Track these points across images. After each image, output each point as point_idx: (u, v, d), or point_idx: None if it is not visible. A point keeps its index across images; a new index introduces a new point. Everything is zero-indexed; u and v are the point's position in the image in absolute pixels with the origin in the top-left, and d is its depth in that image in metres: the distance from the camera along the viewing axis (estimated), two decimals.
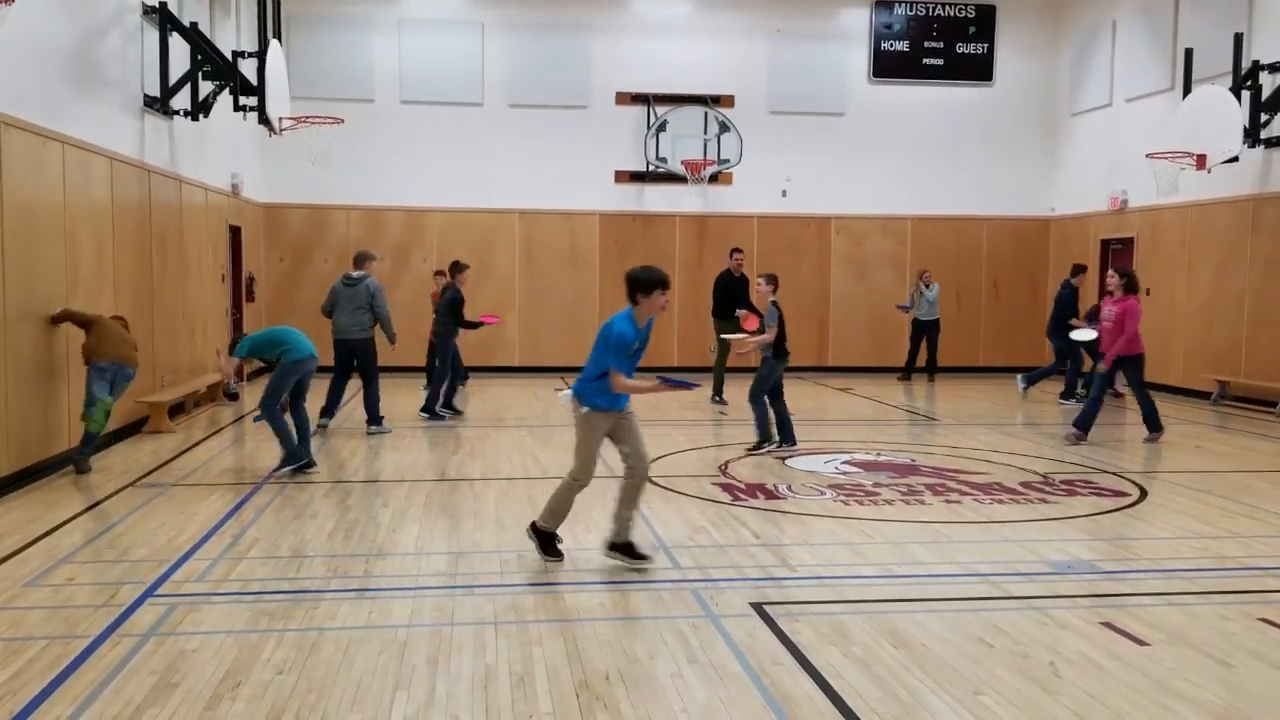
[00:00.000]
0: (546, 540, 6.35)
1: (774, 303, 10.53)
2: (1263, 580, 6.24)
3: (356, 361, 11.43)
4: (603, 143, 18.53)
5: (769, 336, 10.43)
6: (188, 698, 4.30)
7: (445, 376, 12.76)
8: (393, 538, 6.99)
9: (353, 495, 8.35)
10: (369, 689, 4.40)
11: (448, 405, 12.95)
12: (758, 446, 10.47)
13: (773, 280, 10.74)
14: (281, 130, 13.70)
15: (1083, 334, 13.89)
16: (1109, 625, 5.33)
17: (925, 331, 17.77)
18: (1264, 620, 5.43)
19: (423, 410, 12.69)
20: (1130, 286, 11.11)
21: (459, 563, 6.39)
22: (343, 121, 14.83)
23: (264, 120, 13.31)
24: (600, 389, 6.13)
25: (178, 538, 6.89)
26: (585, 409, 6.17)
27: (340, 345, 11.41)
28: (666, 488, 8.68)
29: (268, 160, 17.29)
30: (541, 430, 11.97)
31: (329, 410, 11.51)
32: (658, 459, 9.97)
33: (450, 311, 12.68)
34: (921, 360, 17.98)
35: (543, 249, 18.48)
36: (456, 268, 13.00)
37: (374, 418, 11.47)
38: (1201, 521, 7.79)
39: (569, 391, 6.31)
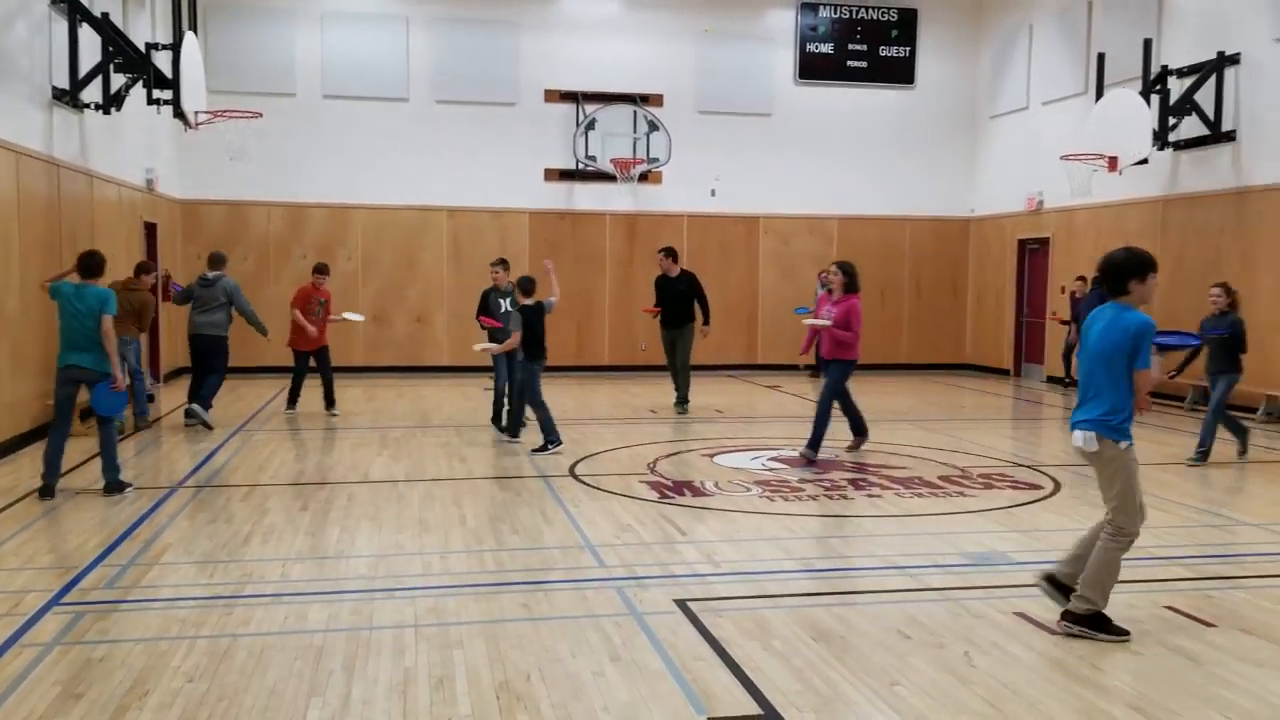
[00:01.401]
0: (1101, 623, 5.14)
1: (521, 307, 10.43)
2: (1169, 569, 6.43)
3: (206, 355, 11.87)
4: (532, 140, 18.45)
5: (511, 343, 10.40)
6: (93, 708, 4.19)
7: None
8: (311, 541, 6.89)
9: (272, 499, 8.20)
10: (283, 695, 4.32)
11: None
12: (543, 448, 10.22)
13: (525, 286, 10.58)
14: (197, 124, 13.41)
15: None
16: (1022, 615, 5.45)
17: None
18: (1170, 608, 5.59)
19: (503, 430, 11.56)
20: (851, 285, 10.08)
21: (380, 565, 6.31)
22: (261, 116, 14.56)
23: (179, 114, 13.01)
24: (1128, 411, 5.13)
25: (86, 544, 6.71)
26: (1125, 444, 5.14)
27: (192, 340, 12.02)
28: (594, 486, 8.67)
29: (185, 155, 16.92)
30: (469, 430, 11.88)
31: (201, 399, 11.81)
32: (586, 458, 9.99)
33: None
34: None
35: (472, 247, 18.34)
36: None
37: (204, 404, 11.69)
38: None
39: (1088, 432, 5.19)
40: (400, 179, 18.02)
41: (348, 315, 13.74)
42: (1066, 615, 5.22)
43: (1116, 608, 5.65)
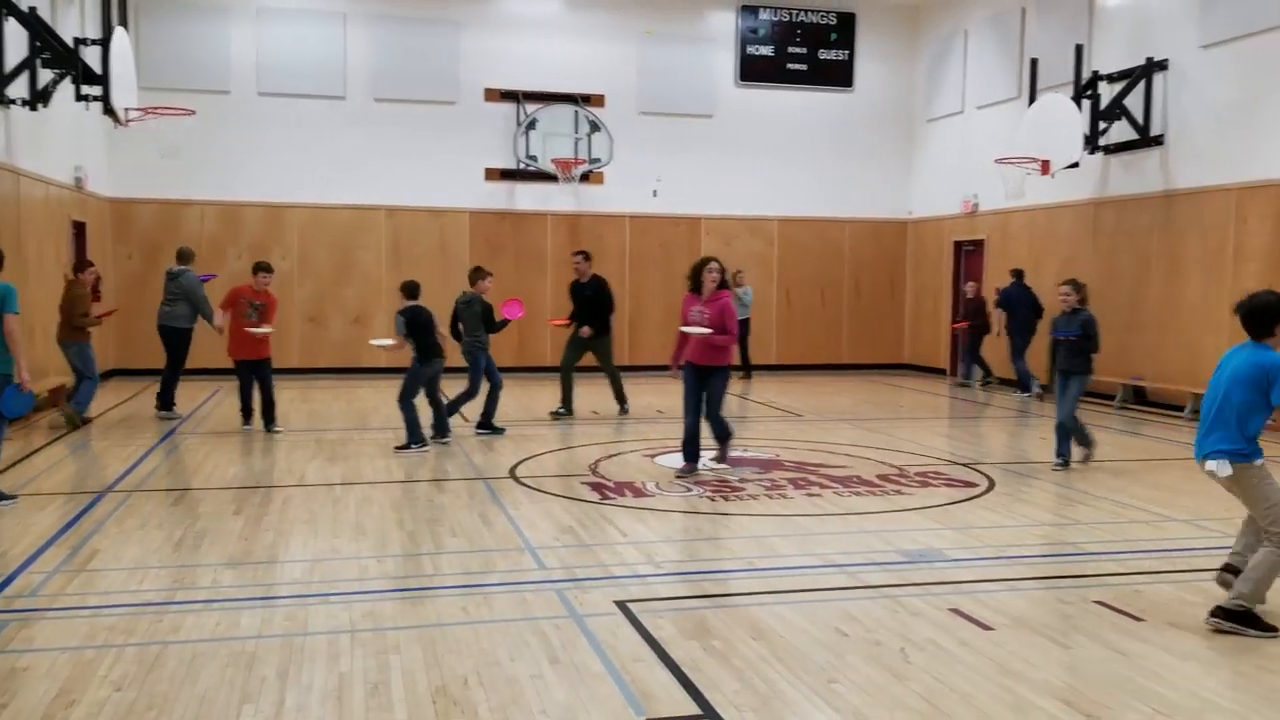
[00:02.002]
0: (1251, 619, 5.26)
1: (403, 309, 10.31)
2: (1099, 564, 6.56)
3: (166, 346, 12.47)
4: (472, 139, 18.33)
5: (392, 344, 10.41)
6: (16, 719, 4.07)
7: (497, 386, 11.50)
8: (245, 546, 6.77)
9: (204, 503, 8.05)
10: (214, 703, 4.24)
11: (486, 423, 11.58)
12: (405, 447, 10.20)
13: (409, 290, 10.46)
14: (128, 121, 13.14)
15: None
16: (957, 611, 5.52)
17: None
18: (1099, 603, 5.71)
19: (479, 427, 11.50)
20: (724, 282, 9.24)
21: (315, 570, 6.22)
22: (194, 113, 14.32)
23: (109, 111, 12.74)
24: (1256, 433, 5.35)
25: (10, 550, 6.52)
26: (1259, 461, 5.36)
27: (159, 331, 12.57)
28: (535, 488, 8.64)
29: (115, 153, 16.57)
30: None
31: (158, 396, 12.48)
32: (527, 459, 9.94)
33: (484, 321, 11.43)
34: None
35: (411, 247, 18.19)
36: (479, 274, 11.59)
37: (165, 403, 12.43)
38: (1043, 509, 8.16)
39: (1223, 461, 5.33)
40: (338, 178, 17.81)
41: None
42: (1217, 611, 5.29)
43: (1047, 603, 5.77)
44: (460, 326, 11.42)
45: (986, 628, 5.27)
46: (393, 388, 16.18)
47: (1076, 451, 9.95)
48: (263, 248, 17.39)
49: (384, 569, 6.22)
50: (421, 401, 10.54)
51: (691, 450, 9.33)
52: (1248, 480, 5.36)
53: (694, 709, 4.26)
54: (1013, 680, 4.60)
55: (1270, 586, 5.35)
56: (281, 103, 17.57)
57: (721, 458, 9.47)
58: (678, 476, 9.14)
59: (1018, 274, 16.15)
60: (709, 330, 8.87)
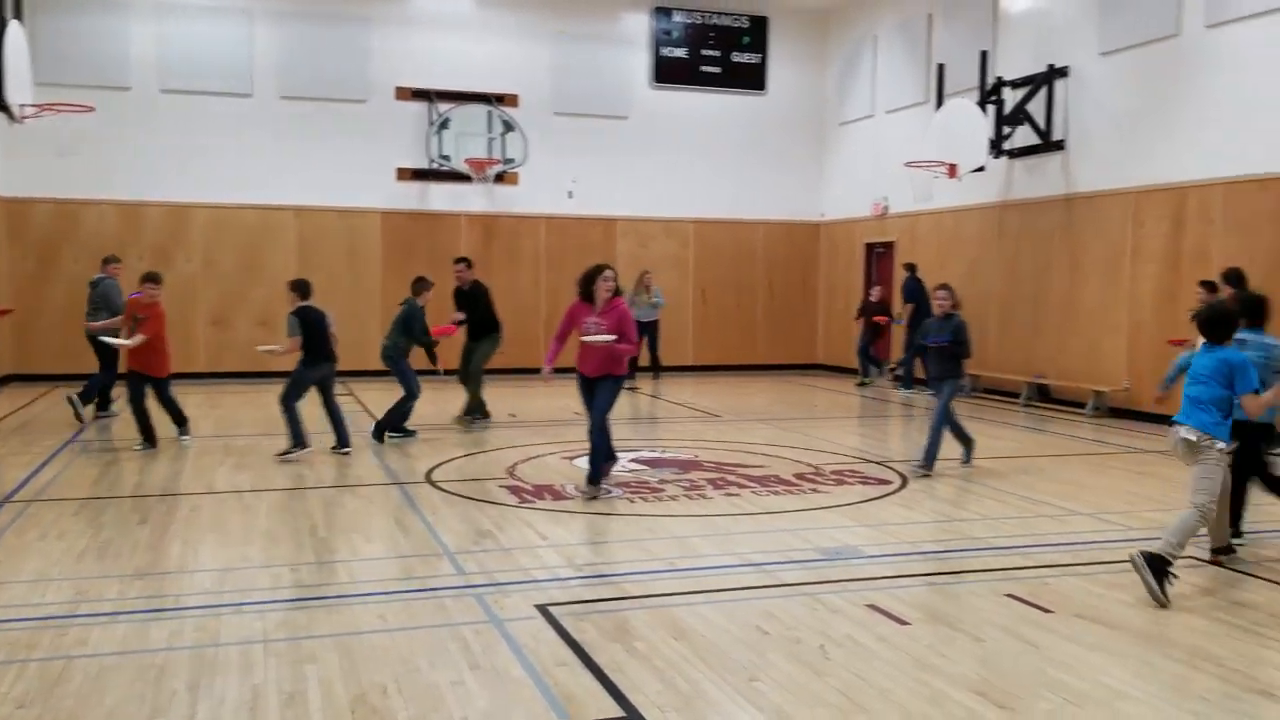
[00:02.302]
0: (1160, 568, 5.82)
1: (293, 312, 10.07)
2: (1008, 558, 6.72)
3: (96, 353, 12.32)
4: (383, 139, 18.08)
5: (283, 347, 10.13)
6: None
7: (415, 395, 11.25)
8: (151, 556, 6.57)
9: (107, 512, 7.78)
10: (121, 717, 4.10)
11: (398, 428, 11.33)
12: (288, 451, 9.94)
13: (300, 288, 10.29)
14: (23, 118, 12.66)
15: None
16: (874, 607, 5.61)
17: (646, 332, 17.59)
18: (1010, 596, 5.84)
19: (382, 432, 11.15)
20: (618, 289, 8.62)
21: (226, 579, 6.06)
22: (93, 110, 13.86)
23: (3, 108, 12.26)
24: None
25: None
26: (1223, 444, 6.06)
27: (86, 337, 12.35)
28: (452, 493, 8.54)
29: (10, 152, 15.95)
30: (319, 437, 11.52)
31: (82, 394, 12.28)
32: (444, 463, 9.83)
33: (405, 328, 11.30)
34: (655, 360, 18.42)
35: (320, 248, 17.86)
36: (420, 284, 11.67)
37: (86, 397, 12.28)
38: (954, 505, 8.33)
39: (1189, 433, 6.05)
40: (244, 177, 17.40)
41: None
42: (1144, 554, 5.88)
43: (960, 597, 5.89)
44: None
45: (903, 623, 5.36)
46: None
47: (945, 455, 10.08)
48: (166, 249, 16.94)
49: (298, 577, 6.09)
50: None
51: (596, 470, 8.62)
52: (1210, 460, 6.05)
53: (617, 711, 4.25)
54: (929, 674, 4.68)
55: (1185, 542, 5.95)
56: (185, 100, 17.11)
57: (595, 478, 8.53)
58: (581, 493, 8.46)
59: (910, 268, 16.57)
60: (613, 337, 8.19)
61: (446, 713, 4.20)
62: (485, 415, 12.71)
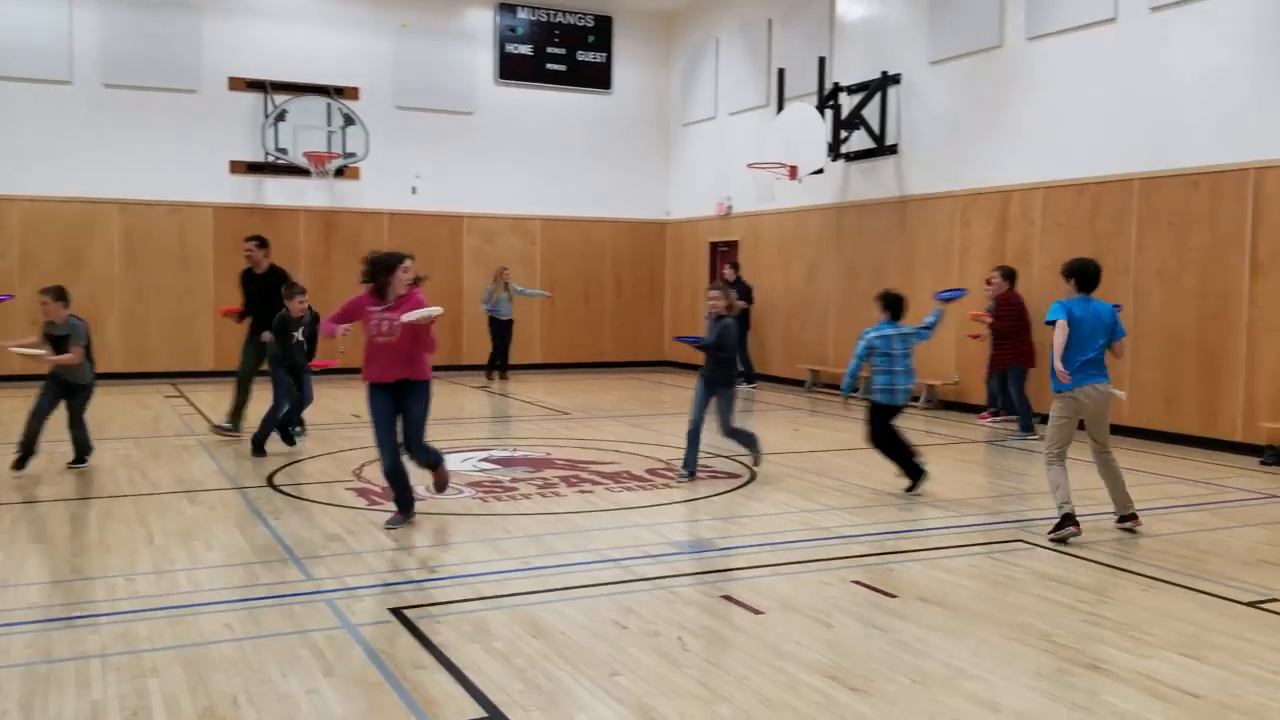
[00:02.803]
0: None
1: (74, 318, 9.16)
2: (853, 546, 6.95)
3: None
4: (215, 130, 17.37)
5: (39, 353, 9.06)
6: None
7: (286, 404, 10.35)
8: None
9: None
10: None
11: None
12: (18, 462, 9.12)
13: (64, 294, 9.24)
14: None
15: None
16: (728, 598, 5.72)
17: (503, 330, 17.59)
18: (856, 583, 6.05)
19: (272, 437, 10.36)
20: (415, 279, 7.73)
21: (55, 593, 5.72)
22: None
23: None
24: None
25: None
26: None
27: None
28: (297, 496, 8.29)
29: None
30: (149, 441, 11.02)
31: None
32: (285, 466, 9.53)
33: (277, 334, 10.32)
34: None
35: (147, 244, 17.03)
36: (289, 290, 10.32)
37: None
38: (801, 497, 8.56)
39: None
40: (64, 169, 16.44)
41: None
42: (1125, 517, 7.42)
43: (810, 585, 6.07)
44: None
45: (757, 612, 5.49)
46: (130, 392, 15.22)
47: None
48: None
49: (134, 588, 5.79)
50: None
51: (402, 496, 7.30)
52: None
53: (479, 712, 4.21)
54: (784, 660, 4.80)
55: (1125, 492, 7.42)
56: None
57: (440, 485, 7.82)
58: (387, 527, 7.21)
59: (734, 267, 17.13)
60: (437, 310, 6.95)
61: None
62: (236, 428, 11.03)
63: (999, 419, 12.81)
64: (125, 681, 4.41)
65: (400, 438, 7.28)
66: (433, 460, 7.60)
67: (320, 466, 9.63)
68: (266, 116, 17.49)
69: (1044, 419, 8.53)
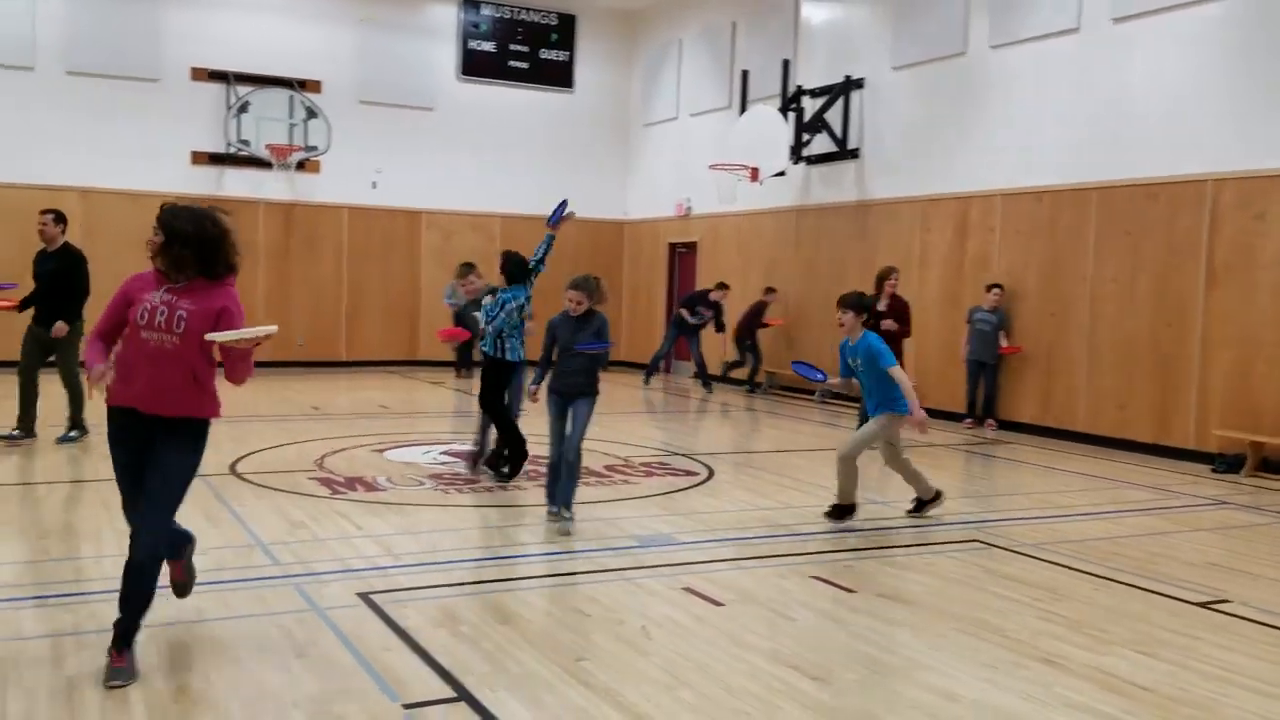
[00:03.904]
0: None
1: None
2: (812, 543, 7.10)
3: None
4: (177, 120, 17.23)
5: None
6: None
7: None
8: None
9: None
10: None
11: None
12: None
13: None
14: None
15: None
16: (689, 590, 5.84)
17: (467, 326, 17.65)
18: (816, 578, 6.20)
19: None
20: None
21: (25, 573, 5.72)
22: None
23: None
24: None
25: None
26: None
27: None
28: (260, 484, 8.29)
29: None
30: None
31: None
32: (247, 455, 9.52)
33: None
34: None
35: (106, 232, 16.80)
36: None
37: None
38: (759, 495, 8.71)
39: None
40: (24, 155, 16.22)
41: None
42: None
43: (770, 579, 6.20)
44: None
45: (717, 604, 5.61)
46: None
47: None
48: None
49: (102, 570, 5.80)
50: None
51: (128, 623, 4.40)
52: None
53: (449, 692, 4.29)
54: (745, 650, 4.92)
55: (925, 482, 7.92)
56: None
57: (180, 587, 5.01)
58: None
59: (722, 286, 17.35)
60: (262, 331, 4.36)
61: (276, 699, 4.14)
62: (29, 433, 9.86)
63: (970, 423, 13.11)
64: (99, 659, 4.43)
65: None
66: (176, 544, 4.83)
67: (282, 457, 9.63)
68: (229, 108, 17.38)
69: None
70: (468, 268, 10.29)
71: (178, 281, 4.45)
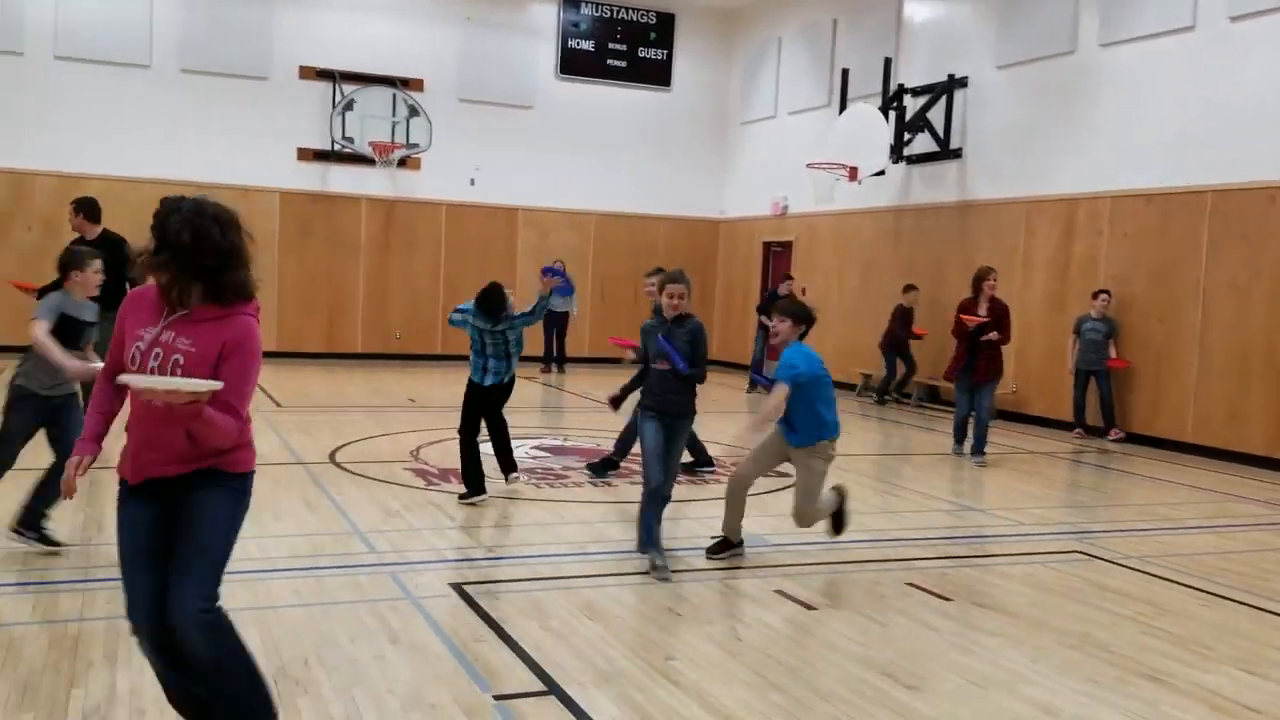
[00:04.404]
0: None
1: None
2: (909, 549, 6.97)
3: None
4: (285, 117, 17.68)
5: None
6: None
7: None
8: (64, 529, 6.35)
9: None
10: (39, 688, 4.00)
11: None
12: None
13: None
14: None
15: None
16: (781, 592, 5.77)
17: (557, 322, 17.86)
18: (911, 584, 6.07)
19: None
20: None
21: None
22: None
23: None
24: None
25: None
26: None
27: None
28: (358, 473, 8.45)
29: None
30: None
31: None
32: (345, 445, 9.71)
33: None
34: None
35: None
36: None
37: None
38: (854, 499, 8.51)
39: None
40: (139, 150, 16.81)
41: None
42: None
43: (864, 585, 6.09)
44: None
45: (810, 607, 5.53)
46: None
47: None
48: (54, 220, 16.24)
49: (263, 549, 5.96)
50: None
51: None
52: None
53: (540, 686, 4.31)
54: (838, 655, 4.85)
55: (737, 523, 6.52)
56: (80, 68, 16.45)
57: None
58: None
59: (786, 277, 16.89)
60: (195, 387, 3.05)
61: (370, 685, 4.20)
62: None
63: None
64: None
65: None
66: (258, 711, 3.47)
67: (379, 447, 9.80)
68: (334, 105, 17.77)
69: None
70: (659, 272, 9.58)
71: (177, 309, 3.25)
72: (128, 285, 7.81)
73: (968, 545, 7.21)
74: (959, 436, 10.79)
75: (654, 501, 6.14)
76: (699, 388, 6.27)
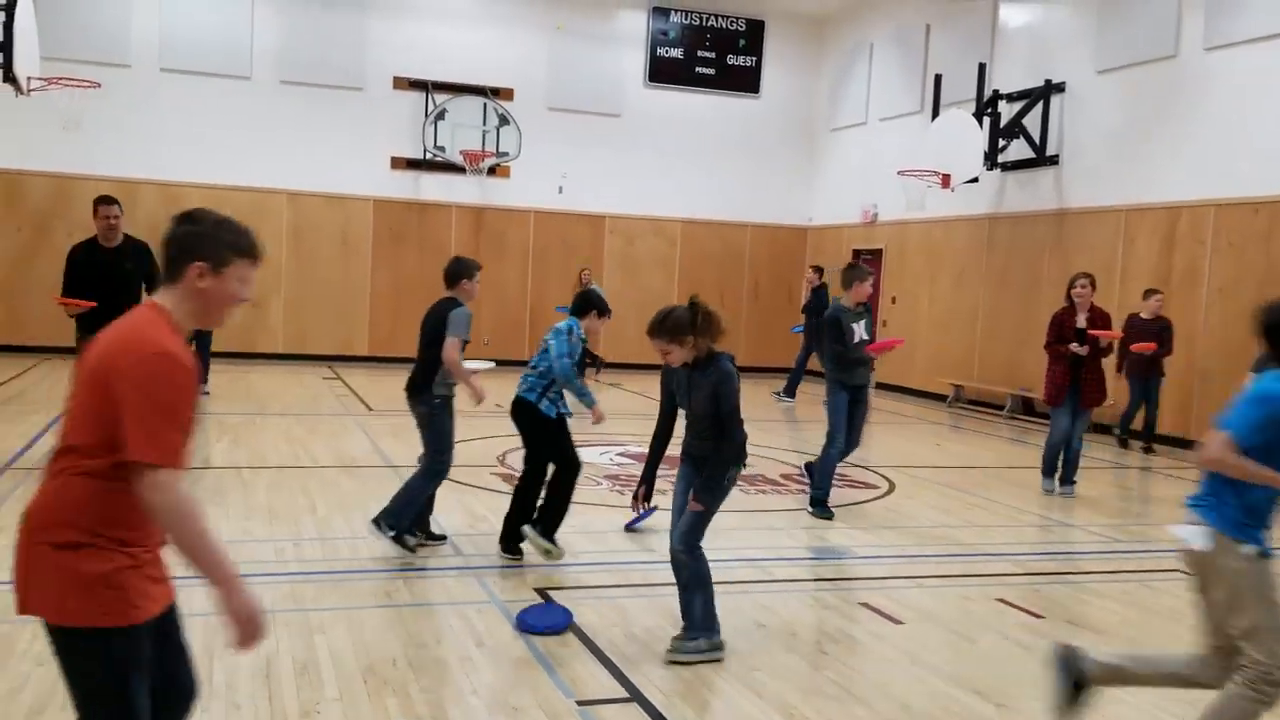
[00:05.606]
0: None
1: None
2: (997, 564, 6.83)
3: None
4: (379, 127, 18.07)
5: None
6: None
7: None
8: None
9: None
10: None
11: None
12: None
13: None
14: (29, 91, 12.60)
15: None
16: (866, 605, 5.71)
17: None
18: (1001, 600, 5.95)
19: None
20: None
21: (230, 552, 6.08)
22: (99, 85, 13.80)
23: (10, 79, 12.20)
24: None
25: None
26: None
27: None
28: (446, 478, 8.55)
29: (5, 123, 15.84)
30: (310, 419, 11.56)
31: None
32: None
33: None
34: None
35: (312, 233, 17.83)
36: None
37: None
38: (942, 511, 8.44)
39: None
40: (239, 160, 17.34)
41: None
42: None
43: (952, 600, 5.99)
44: None
45: (896, 622, 5.46)
46: (292, 373, 15.97)
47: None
48: (158, 227, 16.80)
49: (300, 552, 6.13)
50: None
51: None
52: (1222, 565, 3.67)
53: (622, 693, 4.33)
54: (924, 671, 4.78)
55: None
56: (184, 80, 17.04)
57: None
58: None
59: (819, 270, 16.48)
60: None
61: (455, 687, 4.27)
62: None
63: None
64: (295, 637, 4.69)
65: None
66: None
67: (467, 452, 9.91)
68: (427, 115, 18.10)
69: None
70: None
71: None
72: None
73: (1060, 561, 7.04)
74: (1049, 469, 9.31)
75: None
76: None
